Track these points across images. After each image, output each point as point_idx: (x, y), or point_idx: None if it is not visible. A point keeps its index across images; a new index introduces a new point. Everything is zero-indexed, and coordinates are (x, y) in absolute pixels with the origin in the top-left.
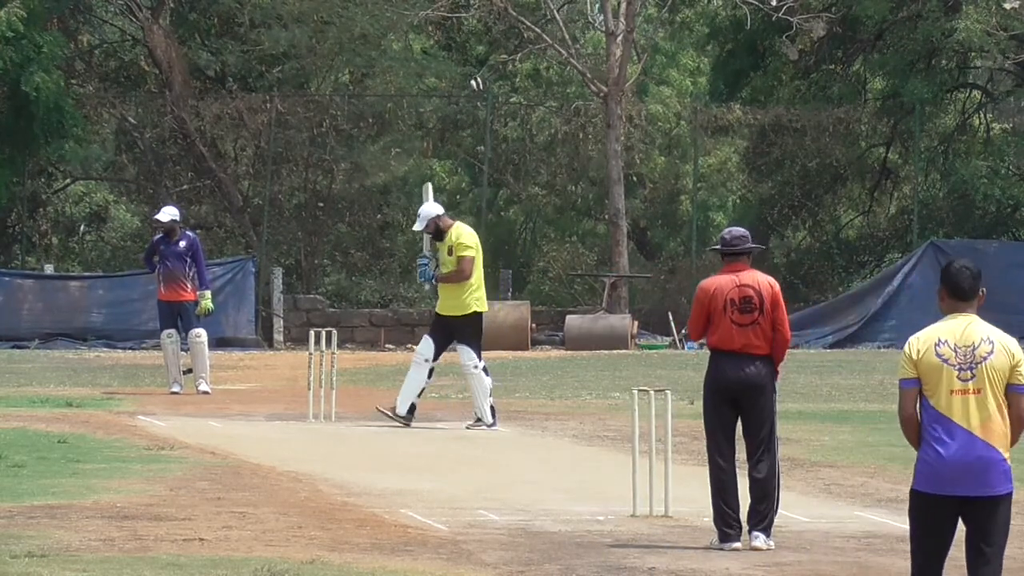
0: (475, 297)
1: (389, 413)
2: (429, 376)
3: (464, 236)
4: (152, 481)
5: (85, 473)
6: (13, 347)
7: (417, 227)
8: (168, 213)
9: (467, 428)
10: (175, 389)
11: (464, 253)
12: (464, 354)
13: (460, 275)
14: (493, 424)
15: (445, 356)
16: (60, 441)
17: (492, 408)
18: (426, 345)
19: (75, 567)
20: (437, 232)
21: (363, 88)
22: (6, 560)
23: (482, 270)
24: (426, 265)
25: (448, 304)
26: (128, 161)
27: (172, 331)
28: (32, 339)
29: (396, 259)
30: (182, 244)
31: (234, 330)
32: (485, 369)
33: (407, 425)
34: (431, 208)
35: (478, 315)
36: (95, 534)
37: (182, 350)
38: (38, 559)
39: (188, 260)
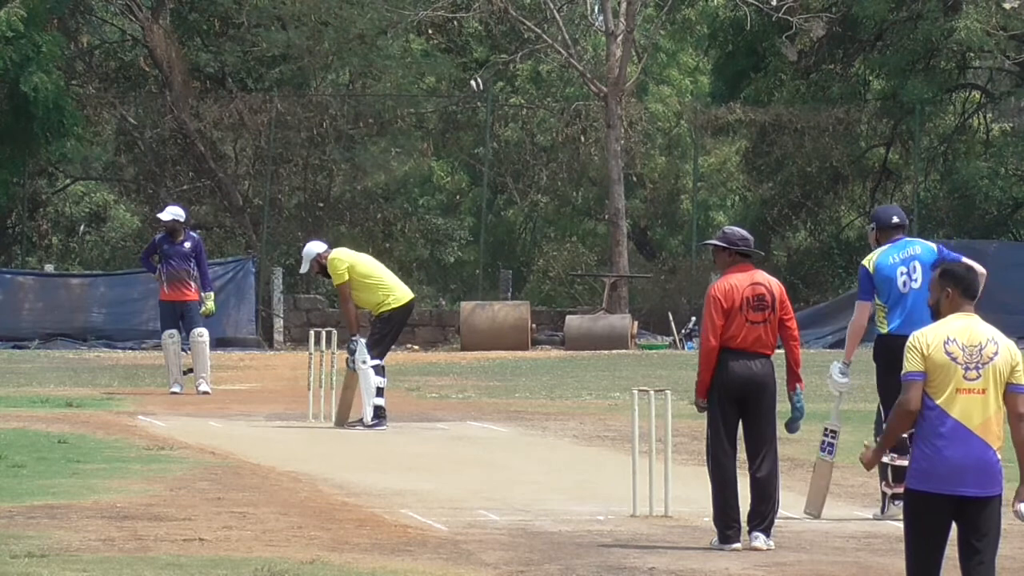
0: (388, 300)
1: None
2: (381, 373)
3: (332, 264)
4: (152, 481)
5: (85, 473)
6: (13, 347)
7: (303, 270)
8: (171, 212)
9: (349, 425)
10: (175, 389)
11: (337, 283)
12: (360, 348)
13: (345, 305)
14: (375, 424)
15: (442, 356)
16: (60, 441)
17: (380, 408)
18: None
19: (75, 567)
20: (323, 270)
21: (362, 88)
22: (6, 560)
23: (375, 274)
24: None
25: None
26: (128, 161)
27: (174, 331)
28: (32, 339)
29: (396, 259)
30: (187, 245)
31: (234, 330)
32: (382, 369)
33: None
34: (311, 248)
35: (390, 312)
36: (95, 534)
37: (183, 350)
38: (38, 559)
39: (192, 261)
